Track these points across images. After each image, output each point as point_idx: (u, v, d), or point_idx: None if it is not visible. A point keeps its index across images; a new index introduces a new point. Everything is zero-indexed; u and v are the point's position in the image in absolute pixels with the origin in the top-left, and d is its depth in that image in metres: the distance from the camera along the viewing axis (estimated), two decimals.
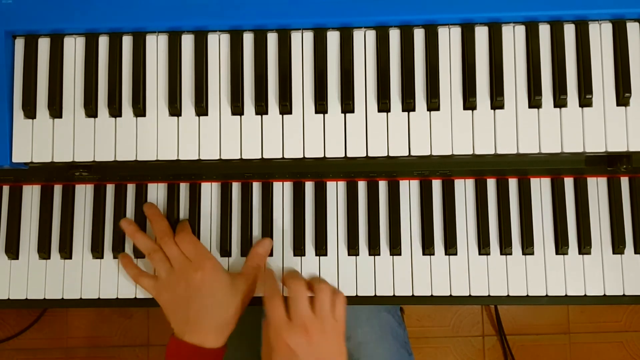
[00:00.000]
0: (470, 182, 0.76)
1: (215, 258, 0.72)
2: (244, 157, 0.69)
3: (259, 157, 0.69)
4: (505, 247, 0.74)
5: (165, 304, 0.72)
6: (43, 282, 0.76)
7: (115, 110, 0.70)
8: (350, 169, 0.74)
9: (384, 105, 0.68)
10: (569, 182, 0.76)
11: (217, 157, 0.69)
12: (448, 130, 0.68)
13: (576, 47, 0.68)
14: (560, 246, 0.74)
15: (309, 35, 0.70)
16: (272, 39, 0.70)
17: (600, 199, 0.75)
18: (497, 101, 0.68)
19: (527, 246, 0.74)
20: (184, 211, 0.77)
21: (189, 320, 0.69)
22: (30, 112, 0.70)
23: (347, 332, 0.86)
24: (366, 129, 0.69)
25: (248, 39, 0.70)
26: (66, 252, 0.76)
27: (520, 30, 0.69)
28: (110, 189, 0.78)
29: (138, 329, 1.52)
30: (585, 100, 0.67)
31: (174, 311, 0.71)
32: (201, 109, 0.69)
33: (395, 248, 0.75)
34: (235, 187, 0.77)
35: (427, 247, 0.75)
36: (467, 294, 0.74)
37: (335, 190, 0.77)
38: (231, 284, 0.71)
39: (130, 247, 0.76)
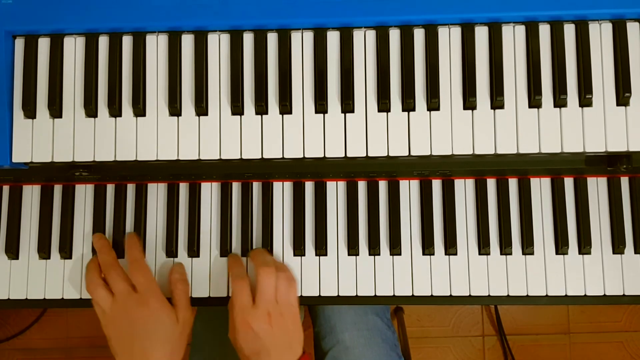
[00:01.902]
0: (470, 182, 0.76)
1: (160, 292, 0.71)
2: (244, 157, 0.69)
3: (259, 157, 0.69)
4: (505, 247, 0.74)
5: (109, 339, 0.71)
6: (43, 282, 0.76)
7: (115, 110, 0.70)
8: (350, 169, 0.74)
9: (384, 105, 0.68)
10: (569, 182, 0.76)
11: (217, 157, 0.69)
12: (448, 130, 0.68)
13: (576, 47, 0.68)
14: (560, 246, 0.74)
15: (309, 35, 0.70)
16: (272, 39, 0.70)
17: (600, 199, 0.75)
18: (497, 101, 0.68)
19: (527, 246, 0.74)
20: (184, 211, 0.77)
21: (133, 356, 0.69)
22: (30, 112, 0.70)
23: (335, 336, 0.86)
24: (366, 128, 0.69)
25: (248, 39, 0.70)
26: (66, 252, 0.76)
27: (520, 30, 0.69)
28: (110, 189, 0.78)
29: None
30: (585, 100, 0.67)
31: (118, 346, 0.71)
32: (201, 109, 0.69)
33: (395, 248, 0.75)
34: (235, 187, 0.77)
35: (427, 247, 0.75)
36: (467, 294, 0.74)
37: (335, 190, 0.77)
38: (176, 318, 0.71)
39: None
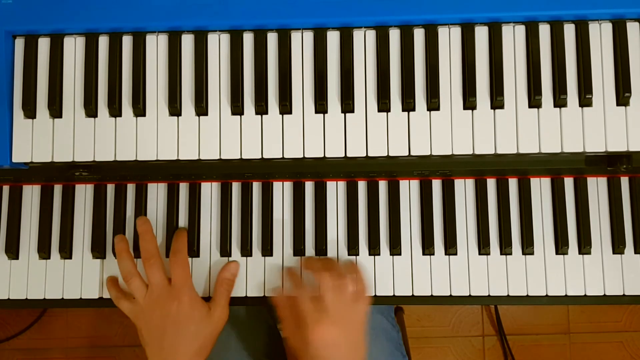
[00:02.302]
0: (470, 182, 0.76)
1: (193, 287, 0.72)
2: (244, 157, 0.69)
3: (259, 157, 0.69)
4: (505, 247, 0.74)
5: (140, 329, 0.72)
6: (43, 282, 0.76)
7: (115, 110, 0.70)
8: (350, 169, 0.74)
9: (384, 105, 0.68)
10: (569, 182, 0.76)
11: (217, 157, 0.69)
12: (448, 130, 0.68)
13: (576, 47, 0.68)
14: (560, 246, 0.74)
15: (309, 35, 0.70)
16: (272, 39, 0.70)
17: (600, 199, 0.75)
18: (497, 101, 0.68)
19: (527, 246, 0.74)
20: (184, 211, 0.77)
21: (163, 349, 0.69)
22: (30, 112, 0.70)
23: None
24: (366, 129, 0.69)
25: (248, 39, 0.70)
26: (66, 252, 0.76)
27: (520, 30, 0.69)
28: (110, 189, 0.78)
29: None
30: (585, 100, 0.67)
31: (149, 338, 0.71)
32: (201, 108, 0.69)
33: (395, 248, 0.75)
34: (235, 187, 0.77)
35: (427, 247, 0.75)
36: (467, 294, 0.74)
37: (335, 190, 0.77)
38: (206, 315, 0.71)
39: (130, 246, 0.76)
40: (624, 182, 0.76)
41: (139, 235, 0.74)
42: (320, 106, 0.69)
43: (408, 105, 0.68)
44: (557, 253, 0.75)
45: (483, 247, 0.74)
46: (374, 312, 0.88)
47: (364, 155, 0.68)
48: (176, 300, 0.70)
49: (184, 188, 0.78)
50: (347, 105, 0.68)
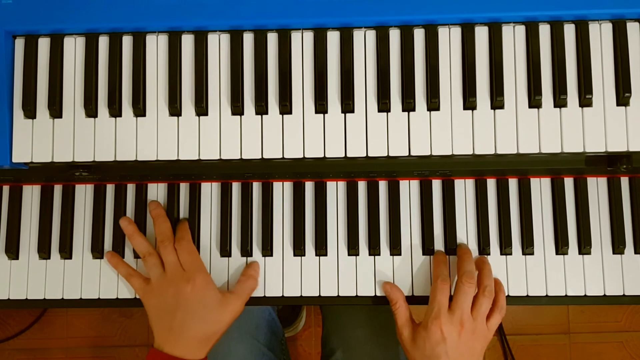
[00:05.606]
0: (470, 182, 0.76)
1: (207, 272, 0.72)
2: (244, 157, 0.69)
3: (259, 157, 0.69)
4: (505, 247, 0.74)
5: (151, 308, 0.72)
6: (43, 282, 0.76)
7: (115, 110, 0.70)
8: (350, 169, 0.74)
9: (384, 105, 0.68)
10: (569, 182, 0.76)
11: (217, 157, 0.69)
12: (448, 130, 0.68)
13: (576, 47, 0.68)
14: (560, 246, 0.74)
15: (309, 35, 0.70)
16: (272, 39, 0.70)
17: (600, 199, 0.75)
18: (497, 101, 0.68)
19: (527, 246, 0.74)
20: (184, 211, 0.77)
21: (172, 329, 0.69)
22: (30, 112, 0.70)
23: (347, 332, 0.86)
24: (366, 129, 0.69)
25: (248, 39, 0.70)
26: (66, 252, 0.76)
27: (520, 30, 0.69)
28: (110, 189, 0.78)
29: (138, 329, 1.52)
30: (585, 100, 0.67)
31: (158, 317, 0.71)
32: (201, 109, 0.69)
33: (395, 248, 0.75)
34: (235, 187, 0.77)
35: (427, 247, 0.75)
36: None
37: (335, 190, 0.77)
38: (220, 302, 0.71)
39: (130, 247, 0.76)
40: (624, 182, 0.76)
41: (153, 220, 0.75)
42: (320, 106, 0.69)
43: (408, 105, 0.68)
44: (557, 253, 0.75)
45: (483, 247, 0.74)
46: (382, 311, 0.88)
47: (364, 155, 0.68)
48: (190, 283, 0.70)
49: (184, 188, 0.78)
50: (347, 105, 0.68)
